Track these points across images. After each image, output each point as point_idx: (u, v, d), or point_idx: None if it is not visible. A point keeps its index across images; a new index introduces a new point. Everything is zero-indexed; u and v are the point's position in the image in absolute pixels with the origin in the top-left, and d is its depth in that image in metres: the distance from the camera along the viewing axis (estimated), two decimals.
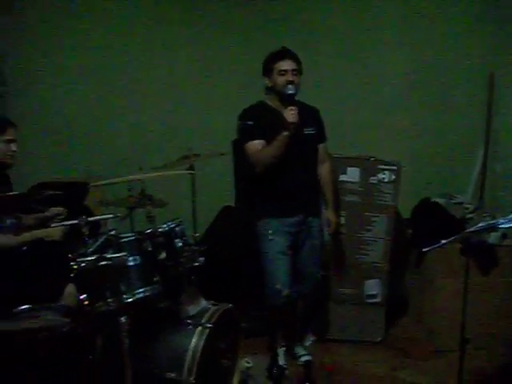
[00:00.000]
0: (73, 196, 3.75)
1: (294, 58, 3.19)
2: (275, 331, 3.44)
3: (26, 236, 3.00)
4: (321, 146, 3.40)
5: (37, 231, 3.02)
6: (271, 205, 3.25)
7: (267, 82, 3.23)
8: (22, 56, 4.42)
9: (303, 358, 3.47)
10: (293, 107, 3.04)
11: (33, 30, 4.41)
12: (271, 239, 3.22)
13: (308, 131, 3.26)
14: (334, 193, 3.52)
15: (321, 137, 3.39)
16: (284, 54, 3.19)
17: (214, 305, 2.84)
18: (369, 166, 3.73)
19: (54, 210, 3.15)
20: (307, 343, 3.72)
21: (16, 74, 4.40)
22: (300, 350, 3.55)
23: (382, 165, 3.73)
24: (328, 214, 3.45)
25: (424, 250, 2.72)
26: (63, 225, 2.66)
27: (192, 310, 2.75)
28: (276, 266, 3.24)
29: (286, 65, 3.15)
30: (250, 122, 3.16)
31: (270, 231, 3.22)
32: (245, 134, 3.18)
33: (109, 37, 4.41)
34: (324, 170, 3.43)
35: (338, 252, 3.78)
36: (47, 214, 3.16)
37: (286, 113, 3.04)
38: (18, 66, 4.40)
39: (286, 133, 3.03)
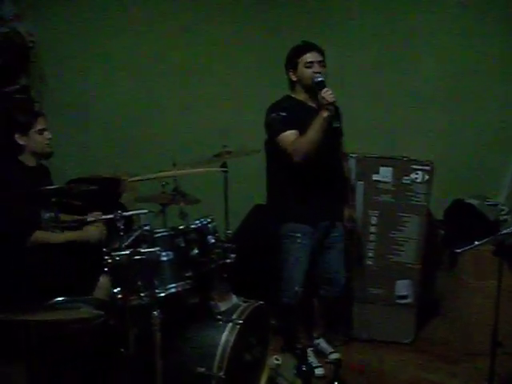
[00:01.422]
0: (107, 192, 3.82)
1: (318, 50, 3.20)
2: (293, 329, 3.47)
3: (66, 235, 3.07)
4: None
5: (77, 233, 3.09)
6: (302, 210, 3.22)
7: (292, 76, 3.22)
8: (58, 50, 4.49)
9: (332, 356, 3.48)
10: (327, 88, 3.00)
11: (65, 20, 4.47)
12: (299, 242, 3.22)
13: (336, 124, 3.19)
14: (351, 189, 3.55)
15: (342, 132, 3.37)
16: (309, 46, 3.20)
17: (244, 301, 2.86)
18: (402, 166, 3.70)
19: (93, 215, 3.19)
20: (336, 342, 3.74)
21: (49, 68, 4.47)
22: (328, 348, 3.57)
23: (416, 165, 3.70)
24: (347, 210, 3.44)
25: (457, 250, 2.70)
26: (99, 219, 2.71)
27: (223, 306, 2.78)
28: (299, 268, 3.26)
29: (312, 57, 3.15)
30: (283, 113, 3.13)
31: (298, 234, 3.22)
32: (278, 125, 3.13)
33: (148, 30, 4.46)
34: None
35: (354, 247, 3.77)
36: (86, 218, 3.20)
37: (322, 95, 2.98)
38: (55, 60, 4.48)
39: (325, 114, 2.98)
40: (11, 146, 3.11)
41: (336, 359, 3.40)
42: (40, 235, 2.98)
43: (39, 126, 3.11)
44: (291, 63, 3.21)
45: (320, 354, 3.54)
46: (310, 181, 3.19)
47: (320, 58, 3.17)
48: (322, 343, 3.62)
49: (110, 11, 4.47)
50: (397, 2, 4.32)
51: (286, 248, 3.27)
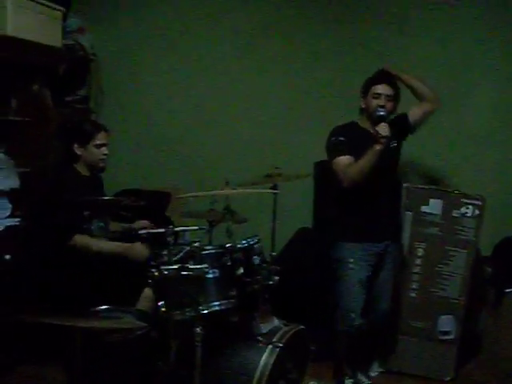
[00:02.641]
0: (156, 205, 3.88)
1: (390, 83, 3.21)
2: (341, 357, 3.41)
3: (111, 246, 3.11)
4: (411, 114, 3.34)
5: (124, 246, 3.09)
6: (355, 229, 3.22)
7: (362, 103, 3.26)
8: (118, 63, 4.62)
9: None
10: (385, 123, 3.05)
11: (126, 35, 4.61)
12: (352, 268, 3.19)
13: (392, 144, 3.25)
14: None
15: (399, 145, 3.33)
16: (381, 78, 3.23)
17: (285, 325, 2.85)
18: (452, 199, 3.64)
19: (141, 223, 3.24)
20: (373, 373, 3.67)
21: (107, 80, 4.61)
22: (364, 379, 3.50)
23: (466, 199, 3.63)
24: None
25: (507, 290, 2.64)
26: (150, 232, 2.74)
27: (264, 327, 2.77)
28: (353, 295, 3.22)
29: (381, 89, 3.18)
30: (341, 138, 3.17)
31: (351, 259, 3.19)
32: (335, 149, 3.18)
33: (203, 50, 4.54)
34: None
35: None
36: (134, 226, 3.26)
37: (378, 128, 3.04)
38: (114, 73, 4.61)
39: (378, 147, 3.02)
40: (68, 153, 3.20)
41: None
42: (79, 239, 3.02)
43: (98, 141, 3.19)
44: (363, 90, 3.26)
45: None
46: (364, 202, 3.20)
47: (389, 92, 3.18)
48: (358, 374, 3.52)
49: (169, 29, 4.57)
50: (450, 36, 4.26)
51: (339, 273, 3.26)
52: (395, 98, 3.22)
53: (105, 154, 3.21)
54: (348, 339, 3.29)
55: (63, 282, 3.00)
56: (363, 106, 3.25)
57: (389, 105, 3.17)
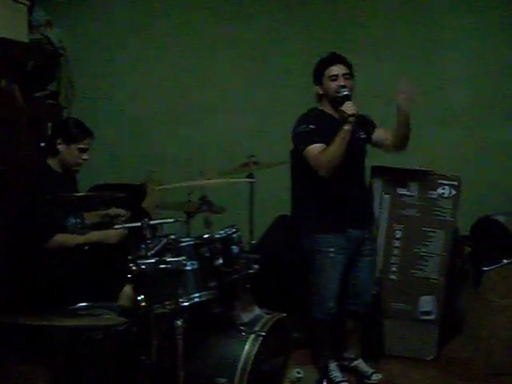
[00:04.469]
0: (131, 198, 3.84)
1: (343, 62, 3.15)
2: (320, 344, 3.41)
3: (86, 237, 3.09)
4: (379, 131, 3.32)
5: (94, 233, 3.10)
6: (332, 218, 3.18)
7: (318, 89, 3.18)
8: (87, 57, 4.56)
9: (374, 377, 3.38)
10: (349, 101, 2.98)
11: (99, 29, 4.57)
12: (332, 257, 3.16)
13: (360, 135, 3.23)
14: None
15: (369, 138, 3.30)
16: (333, 59, 3.15)
17: (267, 313, 2.84)
18: (428, 180, 3.66)
19: (117, 210, 3.22)
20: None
21: (77, 74, 4.54)
22: (368, 369, 3.45)
23: (442, 179, 3.65)
24: None
25: (485, 269, 2.66)
26: (125, 227, 2.72)
27: (246, 317, 2.76)
28: (333, 284, 3.20)
29: (337, 69, 3.11)
30: (312, 126, 3.10)
31: (331, 249, 3.16)
32: (305, 138, 3.10)
33: (175, 40, 4.50)
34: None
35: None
36: (110, 212, 3.24)
37: (344, 107, 2.97)
38: (84, 67, 4.55)
39: (346, 126, 2.96)
40: (48, 146, 3.15)
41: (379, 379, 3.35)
42: (60, 238, 3.01)
43: (83, 145, 3.16)
44: (317, 76, 3.18)
45: (360, 375, 3.43)
46: (338, 190, 3.16)
47: (345, 71, 3.12)
48: (360, 364, 3.48)
49: (138, 21, 4.53)
50: (424, 16, 4.27)
51: (318, 263, 3.22)
52: (351, 75, 3.15)
53: (84, 159, 3.19)
54: (325, 325, 3.29)
55: (41, 281, 2.96)
56: (321, 92, 3.18)
57: (348, 83, 3.09)
